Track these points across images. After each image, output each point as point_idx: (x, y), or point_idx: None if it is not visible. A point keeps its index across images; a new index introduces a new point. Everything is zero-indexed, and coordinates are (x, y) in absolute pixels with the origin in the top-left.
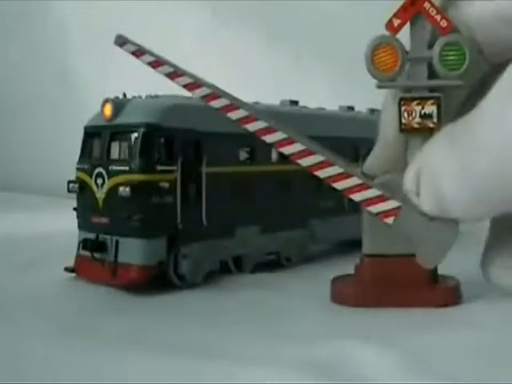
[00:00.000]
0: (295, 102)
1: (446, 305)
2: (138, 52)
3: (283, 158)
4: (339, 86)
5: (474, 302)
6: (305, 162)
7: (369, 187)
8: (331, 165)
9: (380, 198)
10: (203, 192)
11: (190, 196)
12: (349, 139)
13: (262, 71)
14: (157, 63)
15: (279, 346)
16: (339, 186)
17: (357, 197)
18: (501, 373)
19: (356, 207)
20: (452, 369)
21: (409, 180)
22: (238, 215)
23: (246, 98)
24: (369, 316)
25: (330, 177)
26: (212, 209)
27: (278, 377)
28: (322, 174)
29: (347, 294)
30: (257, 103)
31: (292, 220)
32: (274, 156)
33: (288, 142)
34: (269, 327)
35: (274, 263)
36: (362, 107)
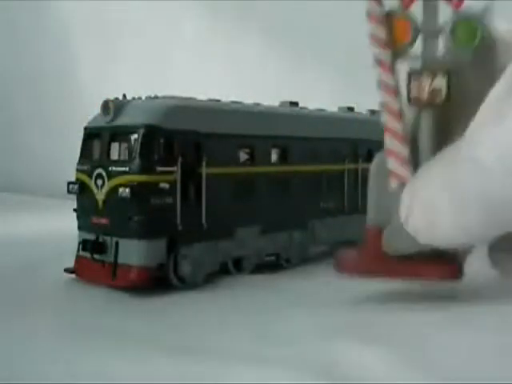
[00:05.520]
0: (295, 103)
1: (448, 279)
2: None
3: (283, 158)
4: (339, 87)
5: (475, 302)
6: None
7: (405, 143)
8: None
9: (404, 161)
10: (203, 193)
11: (190, 197)
12: (349, 140)
13: (261, 72)
14: None
15: (279, 347)
16: (386, 117)
17: (388, 141)
18: (502, 373)
19: (356, 208)
20: (453, 369)
21: (403, 209)
22: (237, 216)
23: (246, 98)
24: (369, 316)
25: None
26: (212, 210)
27: (278, 377)
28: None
29: (352, 262)
30: (257, 104)
31: (292, 221)
32: (274, 157)
33: None
34: (268, 328)
35: (273, 264)
36: (362, 108)
